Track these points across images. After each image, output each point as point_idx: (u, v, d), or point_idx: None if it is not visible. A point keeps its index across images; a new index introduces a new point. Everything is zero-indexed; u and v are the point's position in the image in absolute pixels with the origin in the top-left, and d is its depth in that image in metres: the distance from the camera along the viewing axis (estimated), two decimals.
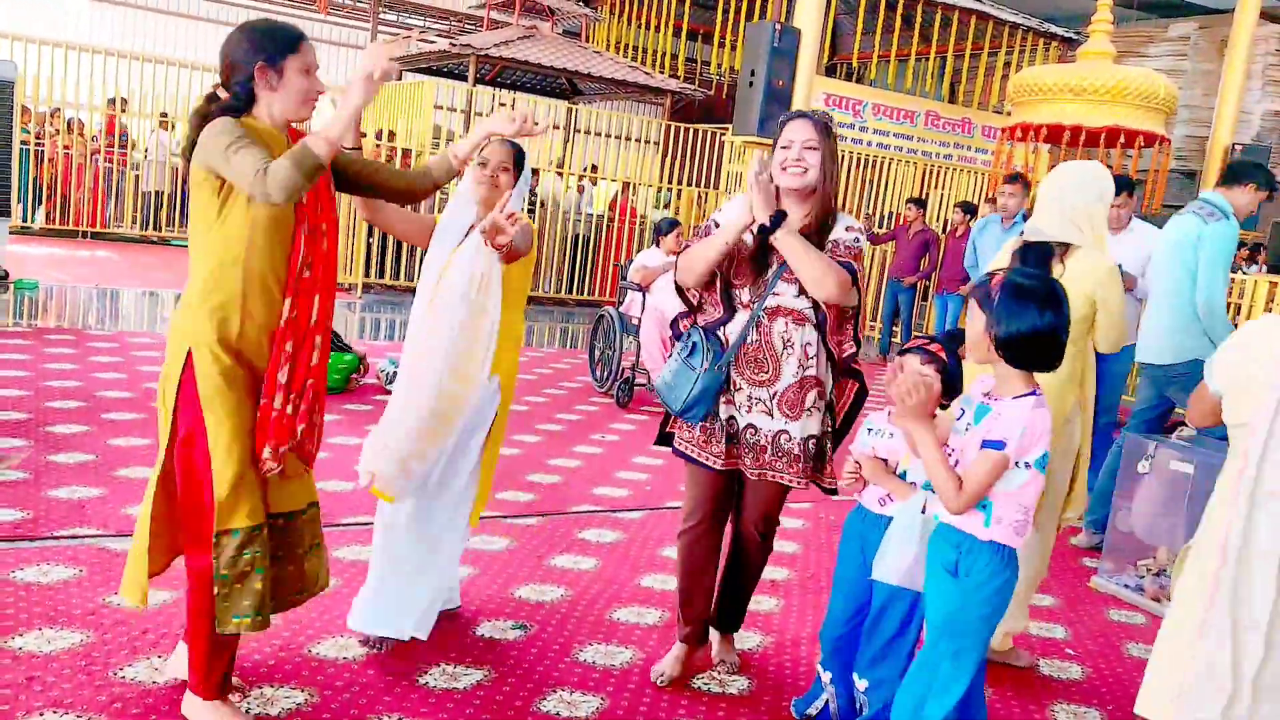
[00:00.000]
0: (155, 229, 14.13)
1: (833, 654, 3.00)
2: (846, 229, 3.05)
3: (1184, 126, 16.61)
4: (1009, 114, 12.71)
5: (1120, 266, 5.41)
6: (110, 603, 3.27)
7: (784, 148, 2.98)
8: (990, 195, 11.33)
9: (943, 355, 2.79)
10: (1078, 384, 3.51)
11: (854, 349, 3.09)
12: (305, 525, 2.79)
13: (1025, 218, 6.68)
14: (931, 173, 14.67)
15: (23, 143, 12.35)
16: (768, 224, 2.90)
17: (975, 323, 2.50)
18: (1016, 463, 2.41)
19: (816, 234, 3.00)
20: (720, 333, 3.07)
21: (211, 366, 2.52)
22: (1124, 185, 5.68)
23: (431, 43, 15.26)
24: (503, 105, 14.69)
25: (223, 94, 2.55)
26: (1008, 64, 15.63)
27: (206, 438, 2.54)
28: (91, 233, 13.50)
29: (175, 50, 16.54)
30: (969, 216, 10.75)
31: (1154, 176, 12.21)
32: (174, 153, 14.01)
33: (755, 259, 3.01)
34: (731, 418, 3.08)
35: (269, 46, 2.52)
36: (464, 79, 14.72)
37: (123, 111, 13.85)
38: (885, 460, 2.87)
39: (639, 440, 6.42)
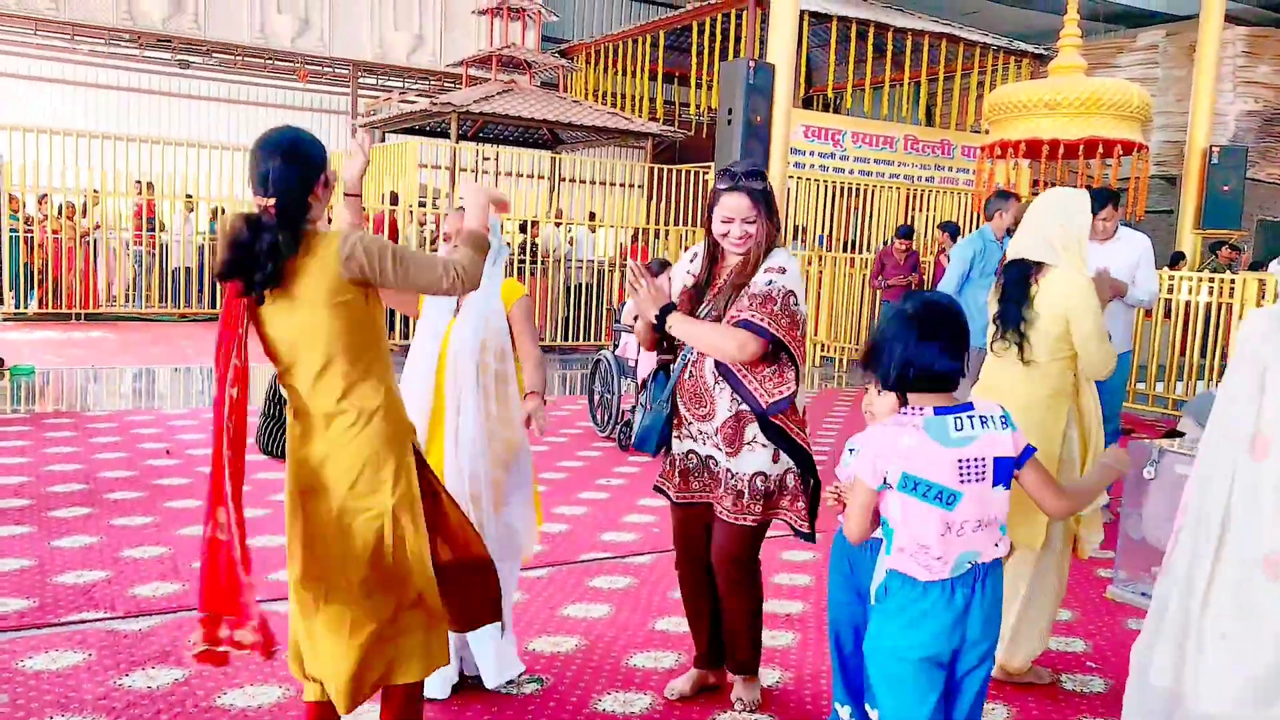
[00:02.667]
0: (183, 305, 14.49)
1: (845, 686, 2.97)
2: (765, 271, 3.07)
3: (1161, 132, 16.76)
4: (987, 133, 12.83)
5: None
6: (121, 685, 3.24)
7: (725, 222, 3.07)
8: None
9: None
10: (1069, 396, 3.53)
11: (785, 392, 3.04)
12: None
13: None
14: (915, 196, 14.76)
15: (11, 229, 12.46)
16: (656, 321, 3.10)
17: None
18: (882, 484, 2.33)
19: (751, 272, 3.09)
20: (671, 369, 3.23)
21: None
22: (1109, 197, 5.71)
23: (412, 103, 15.39)
24: (486, 159, 14.79)
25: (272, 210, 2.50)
26: (981, 84, 15.78)
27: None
28: (85, 314, 13.56)
29: (184, 132, 16.69)
30: (948, 235, 10.80)
31: (1135, 183, 12.32)
32: (200, 232, 14.42)
33: (696, 298, 3.17)
34: (691, 451, 3.20)
35: (325, 159, 2.57)
36: (447, 136, 14.84)
37: (149, 191, 14.12)
38: None
39: (644, 483, 6.40)
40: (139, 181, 14.16)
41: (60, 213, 13.56)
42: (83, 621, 3.74)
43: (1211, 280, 9.98)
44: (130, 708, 3.10)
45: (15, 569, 4.25)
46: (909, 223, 14.11)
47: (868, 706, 2.92)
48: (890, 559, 2.37)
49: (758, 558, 3.25)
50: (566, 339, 13.71)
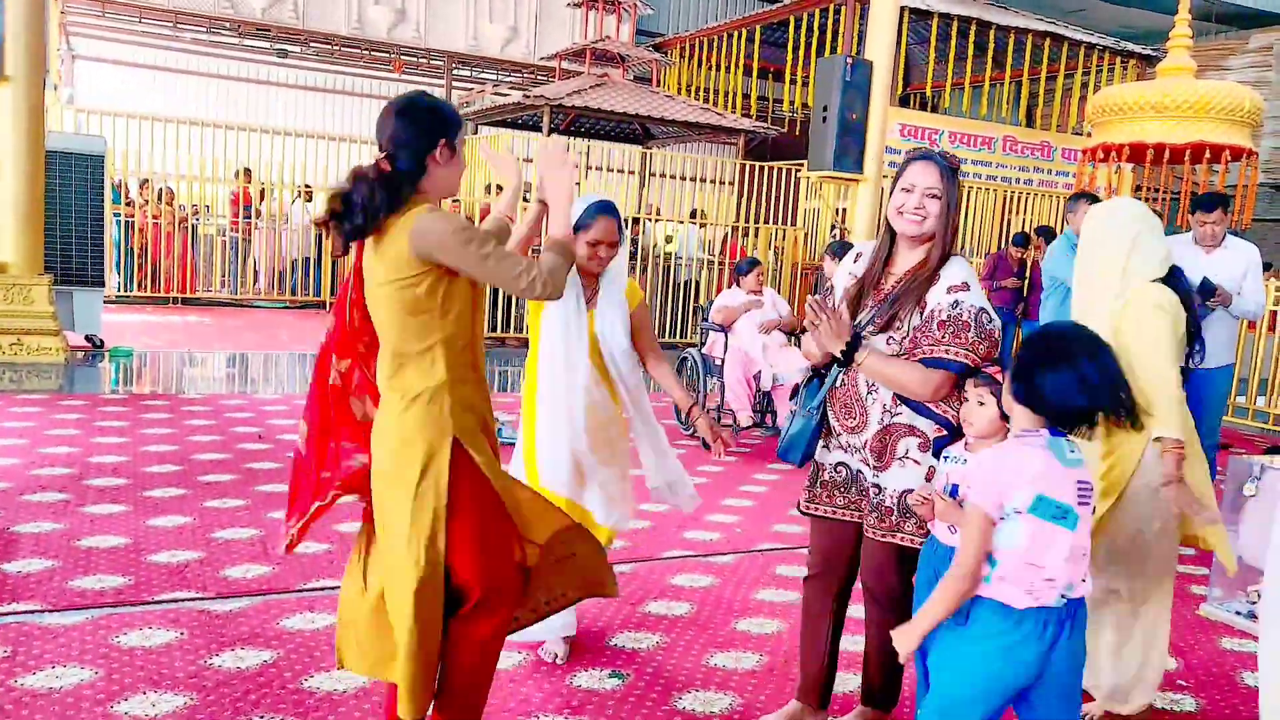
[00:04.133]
0: (295, 294, 14.85)
1: None
2: (949, 289, 2.78)
3: (1271, 139, 16.20)
4: (1089, 135, 12.48)
5: (1207, 279, 5.31)
6: (211, 665, 3.30)
7: (905, 190, 2.84)
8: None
9: (998, 378, 2.73)
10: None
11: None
12: None
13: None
14: (1012, 198, 14.45)
15: (115, 214, 12.85)
16: (841, 356, 2.81)
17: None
18: (1001, 514, 2.27)
19: (926, 281, 2.84)
20: (826, 376, 3.01)
21: None
22: (1219, 201, 5.61)
23: (505, 95, 15.51)
24: (578, 153, 14.85)
25: (384, 166, 2.50)
26: (1085, 85, 15.38)
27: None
28: (181, 298, 13.92)
29: (281, 121, 17.02)
30: (1043, 240, 10.55)
31: (1242, 191, 11.89)
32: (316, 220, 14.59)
33: (858, 300, 2.94)
34: (841, 463, 2.99)
35: (449, 125, 2.54)
36: (539, 129, 14.93)
37: (246, 180, 14.43)
38: (956, 487, 2.75)
39: (729, 482, 6.35)
40: (238, 170, 14.48)
41: (160, 198, 13.93)
42: (175, 601, 3.82)
43: None
44: (220, 687, 3.15)
45: (112, 546, 4.36)
46: (1005, 225, 13.82)
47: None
48: (988, 588, 2.30)
49: (910, 584, 2.96)
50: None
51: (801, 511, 3.11)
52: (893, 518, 2.88)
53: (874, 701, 3.15)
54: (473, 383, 2.59)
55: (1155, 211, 4.56)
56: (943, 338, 2.74)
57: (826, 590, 3.11)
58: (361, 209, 2.44)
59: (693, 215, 14.72)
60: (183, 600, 3.83)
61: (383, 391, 2.56)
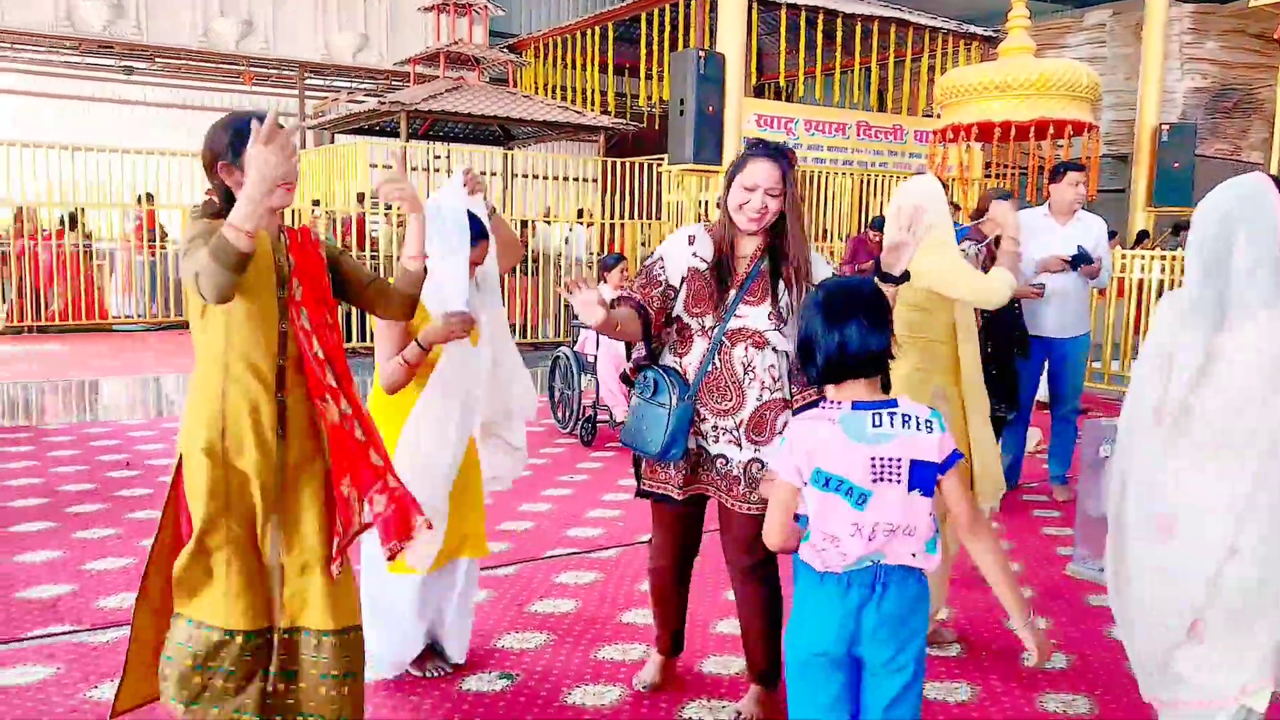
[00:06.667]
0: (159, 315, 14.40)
1: None
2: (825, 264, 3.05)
3: (1111, 112, 16.91)
4: (939, 117, 12.90)
5: (1082, 248, 5.51)
6: (90, 698, 3.23)
7: (747, 189, 2.92)
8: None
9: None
10: (938, 372, 3.67)
11: None
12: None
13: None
14: (868, 182, 14.84)
15: None
16: (591, 325, 2.80)
17: None
18: (803, 481, 2.23)
19: (762, 261, 3.00)
20: (678, 365, 3.05)
21: (199, 474, 2.52)
22: (1075, 165, 5.87)
23: (360, 103, 15.29)
24: (438, 157, 14.73)
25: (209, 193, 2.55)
26: (932, 68, 15.86)
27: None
28: (37, 327, 13.30)
29: (131, 140, 16.36)
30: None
31: (1086, 163, 12.39)
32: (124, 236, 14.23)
33: (717, 285, 3.00)
34: (700, 448, 3.06)
35: (224, 142, 2.46)
36: (396, 135, 14.75)
37: (150, 203, 13.96)
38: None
39: (607, 478, 6.43)
40: (140, 195, 14.02)
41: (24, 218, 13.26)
42: (49, 635, 3.72)
43: (1163, 259, 10.09)
44: (101, 719, 3.09)
45: None
46: (864, 209, 14.22)
47: None
48: (802, 551, 2.28)
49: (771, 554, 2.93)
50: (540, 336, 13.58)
51: (642, 493, 3.17)
52: (741, 487, 3.01)
53: (764, 680, 3.22)
54: (215, 405, 2.56)
55: (1004, 190, 4.81)
56: None
57: (679, 571, 3.32)
58: None
59: (579, 215, 14.74)
60: (57, 635, 3.72)
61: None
